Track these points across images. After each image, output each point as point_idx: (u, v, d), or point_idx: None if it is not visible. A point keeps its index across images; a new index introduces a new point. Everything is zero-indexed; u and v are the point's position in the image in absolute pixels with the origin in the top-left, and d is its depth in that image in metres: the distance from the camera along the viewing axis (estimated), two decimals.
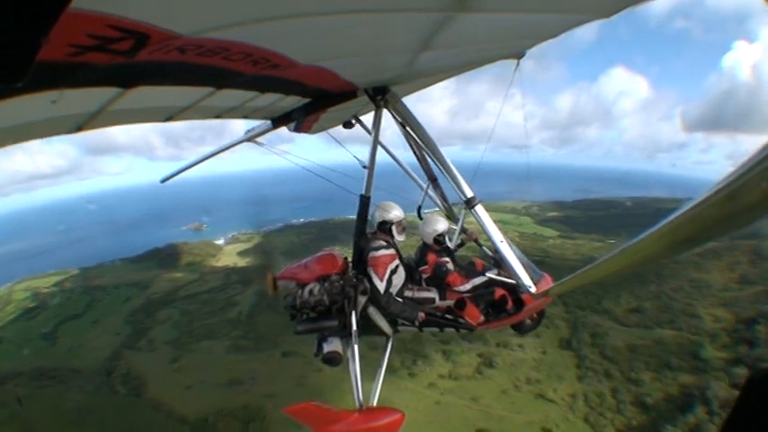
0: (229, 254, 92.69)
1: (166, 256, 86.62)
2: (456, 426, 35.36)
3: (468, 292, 5.27)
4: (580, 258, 71.72)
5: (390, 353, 5.59)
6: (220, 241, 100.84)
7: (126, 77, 1.87)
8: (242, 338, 56.93)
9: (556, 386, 48.45)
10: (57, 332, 60.52)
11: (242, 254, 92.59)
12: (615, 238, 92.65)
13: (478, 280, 5.26)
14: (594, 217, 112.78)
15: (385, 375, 5.38)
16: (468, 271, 5.49)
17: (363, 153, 4.88)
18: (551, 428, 43.26)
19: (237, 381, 48.09)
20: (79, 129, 2.61)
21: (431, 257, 5.47)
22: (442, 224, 5.54)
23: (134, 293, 72.44)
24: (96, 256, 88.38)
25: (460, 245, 6.01)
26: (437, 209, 6.90)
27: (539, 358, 51.37)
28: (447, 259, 5.41)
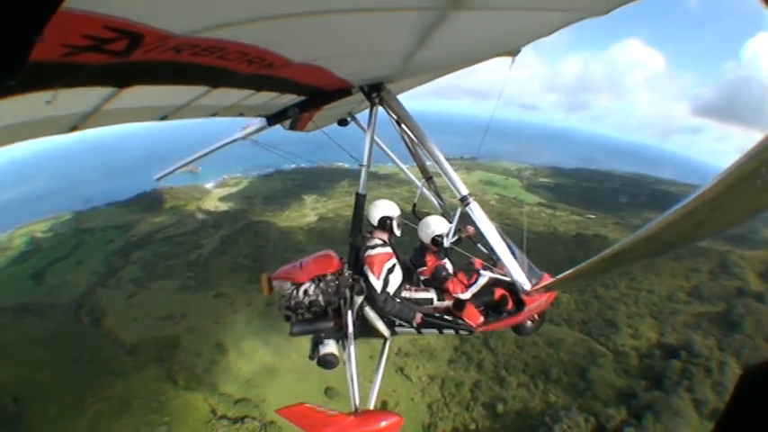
0: (214, 197, 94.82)
1: (153, 200, 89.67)
2: (312, 381, 37.65)
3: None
4: (542, 231, 67.50)
5: (387, 355, 5.48)
6: (210, 185, 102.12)
7: (121, 77, 1.90)
8: (191, 279, 59.92)
9: (422, 364, 46.34)
10: (44, 272, 64.47)
11: (224, 198, 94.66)
12: (595, 214, 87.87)
13: (476, 287, 5.09)
14: (585, 188, 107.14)
15: (381, 377, 5.36)
16: (467, 271, 5.37)
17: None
18: (389, 403, 41.86)
19: (171, 316, 52.31)
20: (74, 129, 2.61)
21: (430, 259, 5.34)
22: (441, 225, 5.31)
23: (116, 236, 76.00)
24: (90, 201, 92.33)
25: (457, 241, 5.75)
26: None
27: None
28: (446, 261, 5.29)
